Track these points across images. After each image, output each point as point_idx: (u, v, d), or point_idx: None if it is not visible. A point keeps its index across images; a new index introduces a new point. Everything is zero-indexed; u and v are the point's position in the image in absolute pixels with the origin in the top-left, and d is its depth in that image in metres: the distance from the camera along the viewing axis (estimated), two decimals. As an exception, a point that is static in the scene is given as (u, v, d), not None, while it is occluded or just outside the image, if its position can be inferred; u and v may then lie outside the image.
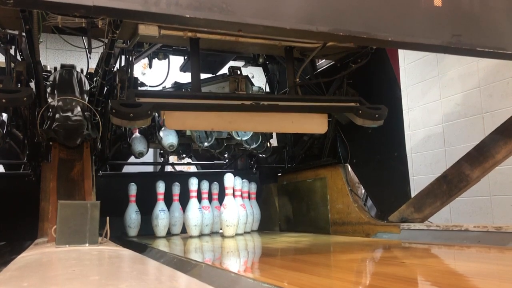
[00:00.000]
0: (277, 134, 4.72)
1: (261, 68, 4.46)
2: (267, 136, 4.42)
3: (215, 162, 5.02)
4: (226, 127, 3.43)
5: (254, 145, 4.30)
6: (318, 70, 3.98)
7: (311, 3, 2.12)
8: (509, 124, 2.90)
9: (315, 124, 3.20)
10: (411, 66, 5.90)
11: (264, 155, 4.65)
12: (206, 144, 4.10)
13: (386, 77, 3.50)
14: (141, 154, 4.07)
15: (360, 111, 3.12)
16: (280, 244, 3.24)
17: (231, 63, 3.93)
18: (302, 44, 3.16)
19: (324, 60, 3.85)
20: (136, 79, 3.86)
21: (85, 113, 3.20)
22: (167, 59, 3.90)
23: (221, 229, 3.90)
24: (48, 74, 3.58)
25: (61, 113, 3.12)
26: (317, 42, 3.09)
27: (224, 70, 3.94)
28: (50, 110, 3.17)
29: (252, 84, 3.90)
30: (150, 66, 3.82)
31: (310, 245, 3.17)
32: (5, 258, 2.46)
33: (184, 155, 4.65)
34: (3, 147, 3.74)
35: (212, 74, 4.04)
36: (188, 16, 1.93)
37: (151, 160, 5.84)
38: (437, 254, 2.55)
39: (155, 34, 2.58)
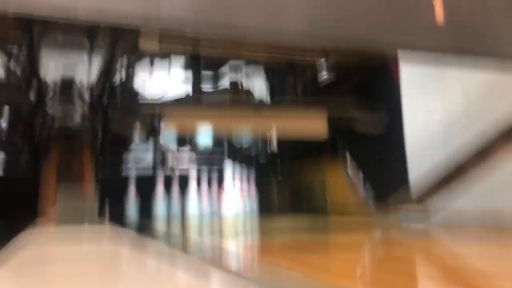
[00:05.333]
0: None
1: (261, 78, 4.44)
2: (267, 139, 4.43)
3: (215, 160, 5.01)
4: (226, 132, 3.44)
5: (254, 152, 4.32)
6: (320, 80, 3.96)
7: (314, 12, 2.11)
8: (510, 124, 2.91)
9: (315, 132, 3.21)
10: (411, 66, 5.87)
11: (263, 152, 4.66)
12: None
13: (387, 78, 3.50)
14: (141, 159, 4.07)
15: (361, 120, 3.13)
16: (279, 241, 3.25)
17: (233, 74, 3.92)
18: (303, 58, 3.16)
19: (325, 69, 3.84)
20: (137, 88, 3.85)
21: (85, 121, 3.21)
22: (168, 69, 3.88)
23: (220, 219, 3.92)
24: (49, 83, 3.58)
25: (61, 122, 3.13)
26: (319, 51, 3.09)
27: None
28: (50, 118, 3.17)
29: (253, 97, 3.89)
30: (151, 76, 3.79)
31: (310, 238, 3.17)
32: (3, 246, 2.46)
33: (184, 157, 4.65)
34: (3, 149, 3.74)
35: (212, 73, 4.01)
36: (188, 32, 1.92)
37: (151, 164, 5.83)
38: (435, 241, 2.56)
39: (156, 48, 2.57)
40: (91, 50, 2.86)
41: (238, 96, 3.57)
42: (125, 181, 4.11)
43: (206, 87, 3.82)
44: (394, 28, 2.26)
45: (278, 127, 3.11)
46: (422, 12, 2.29)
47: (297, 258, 1.91)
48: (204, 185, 4.10)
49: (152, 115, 2.80)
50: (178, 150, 4.22)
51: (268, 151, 4.58)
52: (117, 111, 2.72)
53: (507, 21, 2.43)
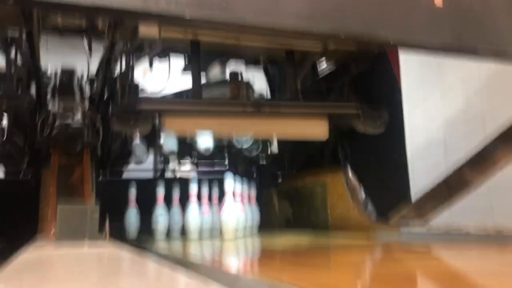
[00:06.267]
0: (278, 139, 4.71)
1: (262, 71, 4.45)
2: (268, 142, 4.41)
3: (215, 166, 5.01)
4: (227, 133, 3.43)
5: (255, 153, 4.30)
6: (320, 75, 3.96)
7: (312, 4, 2.11)
8: (510, 128, 2.89)
9: (316, 130, 3.20)
10: (412, 69, 5.86)
11: (264, 163, 4.65)
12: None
13: (387, 81, 3.50)
14: (141, 160, 4.07)
15: (362, 118, 3.13)
16: (280, 248, 3.23)
17: (232, 66, 3.91)
18: (303, 48, 3.16)
19: (326, 64, 3.84)
20: (137, 85, 3.85)
21: (86, 119, 3.20)
22: (167, 61, 3.87)
23: (221, 233, 3.89)
24: (49, 78, 3.59)
25: (61, 120, 3.13)
26: (318, 46, 3.09)
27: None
28: (50, 116, 3.16)
29: (253, 90, 3.89)
30: (151, 67, 3.79)
31: (310, 249, 3.15)
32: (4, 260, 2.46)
33: (184, 160, 4.65)
34: (3, 153, 3.73)
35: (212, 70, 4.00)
36: (188, 16, 1.92)
37: (152, 165, 5.83)
38: (438, 257, 2.54)
39: (156, 36, 2.57)
40: (91, 39, 2.86)
41: (238, 88, 3.56)
42: (125, 188, 4.10)
43: (206, 79, 3.82)
44: (393, 22, 2.26)
45: (278, 124, 3.11)
46: (422, 6, 2.29)
47: (298, 273, 1.91)
48: (205, 193, 4.08)
49: (151, 110, 2.80)
50: (178, 153, 4.22)
51: (268, 156, 4.58)
52: (116, 110, 2.72)
53: (508, 17, 2.43)
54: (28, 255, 2.09)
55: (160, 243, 3.73)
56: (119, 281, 1.41)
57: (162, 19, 2.09)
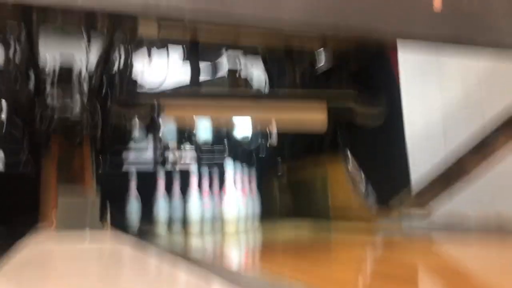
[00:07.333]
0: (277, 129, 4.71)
1: (260, 63, 4.44)
2: (267, 133, 4.42)
3: (215, 154, 5.01)
4: (226, 123, 3.44)
5: (254, 145, 4.32)
6: (318, 68, 3.96)
7: (310, 5, 2.11)
8: (509, 115, 2.91)
9: (314, 122, 3.21)
10: (411, 59, 5.86)
11: (263, 152, 4.66)
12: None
13: (386, 71, 3.50)
14: (141, 148, 4.09)
15: (359, 110, 3.14)
16: (280, 237, 3.24)
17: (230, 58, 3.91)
18: (302, 44, 3.17)
19: (324, 61, 3.84)
20: (136, 76, 3.84)
21: (85, 111, 3.20)
22: (166, 52, 3.86)
23: (222, 221, 3.91)
24: (48, 72, 3.58)
25: (60, 112, 3.13)
26: (317, 40, 3.10)
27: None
28: (49, 109, 3.17)
29: (251, 85, 3.89)
30: (150, 58, 3.78)
31: (311, 238, 3.17)
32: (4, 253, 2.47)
33: (184, 148, 4.66)
34: (3, 141, 3.74)
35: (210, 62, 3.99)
36: (187, 14, 1.92)
37: (152, 153, 5.83)
38: (438, 245, 2.56)
39: (155, 34, 2.58)
40: (89, 37, 2.86)
41: (237, 85, 3.57)
42: (125, 179, 4.11)
43: (204, 76, 3.81)
44: (392, 16, 2.26)
45: (277, 117, 3.12)
46: (422, 1, 2.29)
47: (299, 266, 1.91)
48: (205, 184, 4.09)
49: (150, 105, 2.80)
50: (178, 144, 4.23)
51: (268, 146, 4.58)
52: (116, 101, 2.73)
53: (507, 10, 2.43)
54: (29, 249, 2.10)
55: (162, 235, 3.74)
56: (120, 280, 1.43)
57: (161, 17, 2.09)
